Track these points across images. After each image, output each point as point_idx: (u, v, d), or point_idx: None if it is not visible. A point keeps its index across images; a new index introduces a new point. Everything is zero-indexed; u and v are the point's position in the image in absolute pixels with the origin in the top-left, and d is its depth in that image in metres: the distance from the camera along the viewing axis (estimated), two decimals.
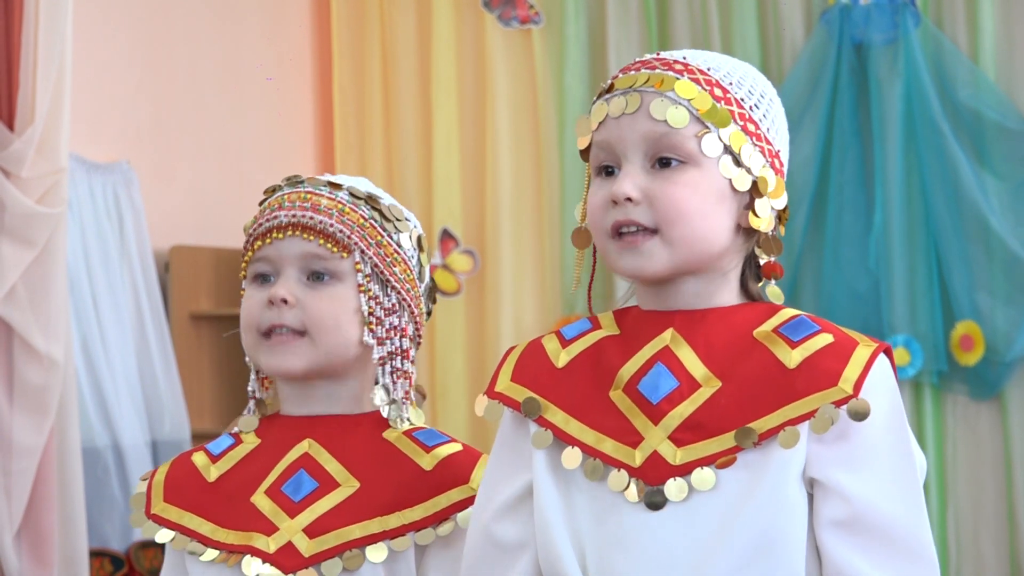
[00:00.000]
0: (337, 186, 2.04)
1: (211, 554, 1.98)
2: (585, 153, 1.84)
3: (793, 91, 5.64)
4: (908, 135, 5.56)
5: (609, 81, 1.84)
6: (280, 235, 2.00)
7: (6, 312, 4.38)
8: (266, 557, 1.96)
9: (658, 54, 1.83)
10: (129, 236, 5.48)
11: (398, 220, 2.05)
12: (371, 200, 2.04)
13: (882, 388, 1.74)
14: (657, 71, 1.80)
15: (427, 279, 2.10)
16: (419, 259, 2.08)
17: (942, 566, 5.56)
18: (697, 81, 1.79)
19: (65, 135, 4.44)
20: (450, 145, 6.14)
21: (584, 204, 1.84)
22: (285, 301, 1.99)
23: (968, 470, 5.55)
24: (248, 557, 1.96)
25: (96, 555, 5.10)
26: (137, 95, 5.68)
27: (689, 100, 1.77)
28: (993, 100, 5.51)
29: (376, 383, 2.02)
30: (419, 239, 2.09)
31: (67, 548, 4.51)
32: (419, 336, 2.08)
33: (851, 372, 1.73)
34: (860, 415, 1.71)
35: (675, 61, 1.81)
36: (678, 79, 1.78)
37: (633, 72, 1.81)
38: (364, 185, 2.08)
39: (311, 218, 2.00)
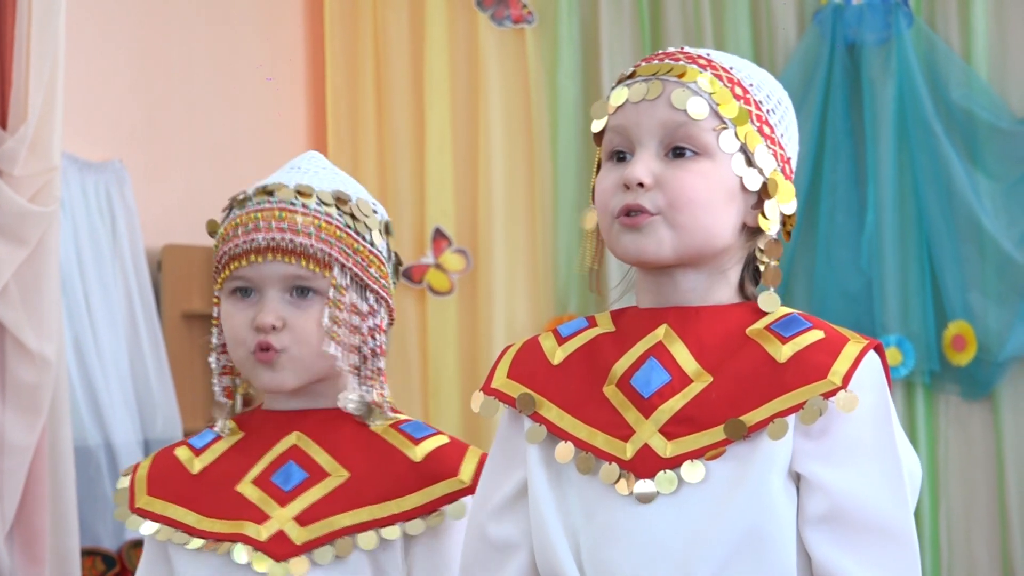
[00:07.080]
0: (307, 194, 2.02)
1: (197, 543, 1.99)
2: (598, 137, 1.85)
3: (786, 91, 5.64)
4: (901, 135, 5.56)
5: (631, 68, 1.85)
6: (259, 258, 1.99)
7: None
8: (257, 545, 1.97)
9: (683, 48, 1.85)
10: (121, 235, 5.48)
11: (367, 217, 2.04)
12: (340, 203, 2.03)
13: (868, 384, 1.74)
14: (681, 62, 1.81)
15: (392, 258, 2.11)
16: (387, 244, 2.09)
17: (934, 566, 5.58)
18: (720, 77, 1.81)
19: (58, 133, 4.44)
20: (443, 144, 6.13)
21: (593, 189, 1.84)
22: (274, 327, 1.99)
23: (960, 470, 5.55)
24: (239, 545, 1.97)
25: (88, 554, 5.10)
26: (130, 94, 5.68)
27: (710, 94, 1.79)
28: (986, 100, 5.52)
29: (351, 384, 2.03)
30: (386, 226, 2.09)
31: (59, 547, 4.50)
32: (392, 318, 2.09)
33: (840, 366, 1.73)
34: (849, 407, 1.71)
35: (699, 56, 1.83)
36: (702, 72, 1.80)
37: (656, 62, 1.83)
38: (328, 181, 2.06)
39: (291, 241, 1.99)
